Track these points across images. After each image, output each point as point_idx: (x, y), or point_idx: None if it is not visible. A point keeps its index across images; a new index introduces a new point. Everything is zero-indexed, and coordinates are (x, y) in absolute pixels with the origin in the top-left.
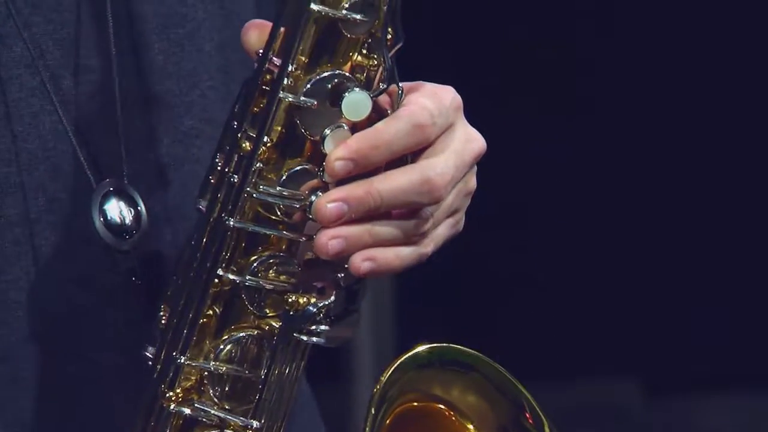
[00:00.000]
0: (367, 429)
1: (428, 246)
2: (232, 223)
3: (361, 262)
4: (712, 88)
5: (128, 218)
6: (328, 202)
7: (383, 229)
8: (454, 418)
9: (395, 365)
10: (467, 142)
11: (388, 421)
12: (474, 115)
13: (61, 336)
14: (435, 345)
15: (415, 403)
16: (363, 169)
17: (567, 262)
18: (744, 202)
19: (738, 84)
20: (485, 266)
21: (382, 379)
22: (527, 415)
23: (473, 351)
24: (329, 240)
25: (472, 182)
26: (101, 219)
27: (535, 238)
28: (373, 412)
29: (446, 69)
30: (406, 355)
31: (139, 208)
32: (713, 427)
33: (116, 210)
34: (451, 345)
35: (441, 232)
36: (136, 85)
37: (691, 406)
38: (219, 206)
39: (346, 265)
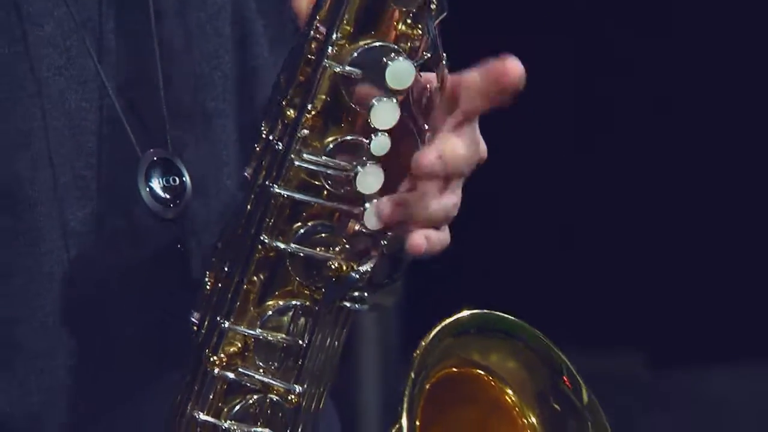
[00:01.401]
0: (407, 393)
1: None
2: (276, 189)
3: (422, 239)
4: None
5: (173, 187)
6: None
7: (434, 204)
8: (493, 383)
9: (435, 331)
10: (480, 144)
11: (427, 386)
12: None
13: (95, 307)
14: (476, 312)
15: (454, 369)
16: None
17: (570, 234)
18: (750, 173)
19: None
20: (492, 242)
21: (423, 344)
22: (565, 380)
23: (513, 317)
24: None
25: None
26: (147, 188)
27: (541, 210)
28: (412, 376)
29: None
30: (447, 321)
31: (183, 177)
32: (715, 397)
33: (162, 179)
34: (491, 312)
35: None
36: (160, 65)
37: (693, 377)
38: (264, 173)
39: (389, 233)
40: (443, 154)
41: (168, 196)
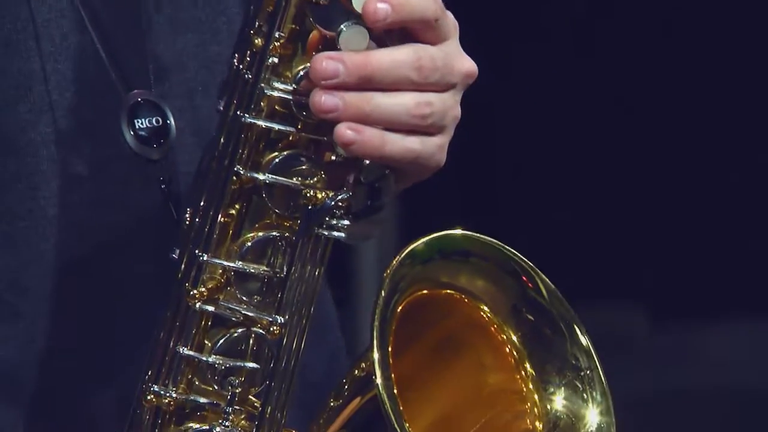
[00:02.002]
0: (377, 317)
1: (417, 146)
2: (247, 119)
3: (345, 129)
4: None
5: (156, 128)
6: (326, 58)
7: (384, 100)
8: (466, 300)
9: (397, 262)
10: (460, 54)
11: (399, 309)
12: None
13: (98, 248)
14: (431, 236)
15: (426, 291)
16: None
17: (570, 187)
18: (749, 129)
19: None
20: (490, 187)
21: (388, 272)
22: (528, 284)
23: (467, 233)
24: (323, 96)
25: (458, 110)
26: (130, 130)
27: (539, 161)
28: (381, 303)
29: None
30: (405, 252)
31: (168, 120)
32: (715, 353)
33: (144, 119)
34: (446, 233)
35: (434, 143)
36: (162, 11)
37: (693, 333)
38: (234, 104)
39: (366, 161)
40: (342, 58)
41: (150, 138)
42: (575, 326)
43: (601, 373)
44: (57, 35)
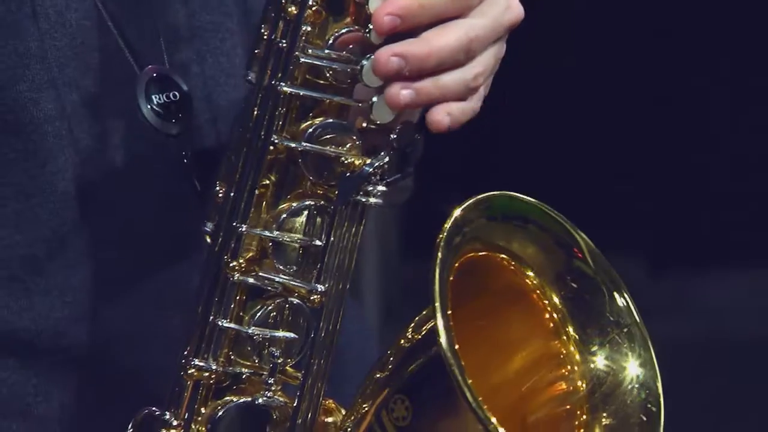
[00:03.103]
0: (437, 271)
1: (478, 102)
2: (284, 87)
3: (443, 115)
4: None
5: (174, 102)
6: (391, 55)
7: (448, 79)
8: (513, 266)
9: (463, 209)
10: (507, 9)
11: (454, 269)
12: None
13: (113, 222)
14: (502, 193)
15: (476, 254)
16: (408, 28)
17: (569, 138)
18: (749, 80)
19: None
20: (494, 138)
21: (445, 227)
22: (578, 254)
23: (524, 200)
24: (401, 90)
25: (503, 49)
26: (148, 105)
27: (537, 110)
28: (438, 265)
29: None
30: (471, 201)
31: (185, 94)
32: (715, 303)
33: (161, 94)
34: (517, 195)
35: (482, 91)
36: None
37: (692, 283)
38: (269, 73)
39: (398, 127)
40: (405, 52)
41: (169, 112)
42: (616, 289)
43: (642, 330)
44: (52, 13)
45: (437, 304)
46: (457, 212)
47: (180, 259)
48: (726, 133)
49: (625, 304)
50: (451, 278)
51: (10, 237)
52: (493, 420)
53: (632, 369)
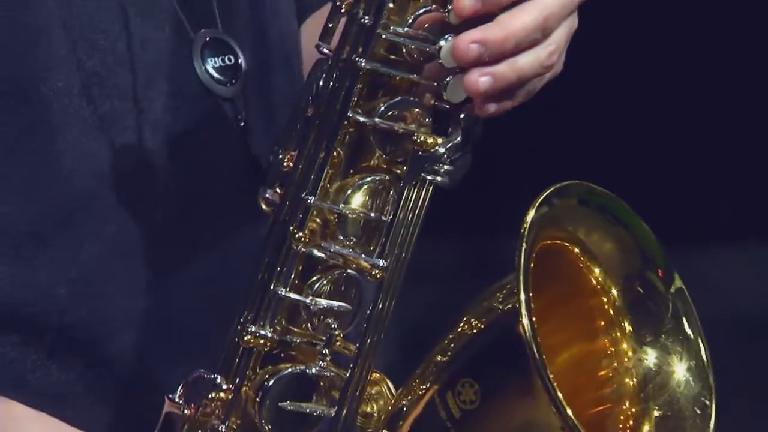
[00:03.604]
0: (522, 259)
1: (557, 69)
2: (363, 63)
3: (525, 96)
4: None
5: (228, 66)
6: (471, 42)
7: (524, 61)
8: (582, 260)
9: (542, 197)
10: None
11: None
12: None
13: (134, 191)
14: (599, 190)
15: (553, 241)
16: (487, 11)
17: (572, 113)
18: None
19: None
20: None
21: (531, 209)
22: (659, 272)
23: (625, 205)
24: (479, 77)
25: (575, 23)
26: (203, 67)
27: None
28: (524, 245)
29: None
30: (567, 185)
31: (239, 57)
32: (716, 281)
33: (216, 58)
34: (608, 194)
35: (557, 67)
36: None
37: (693, 260)
38: (348, 48)
39: (467, 105)
40: (485, 39)
41: (224, 77)
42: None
43: (701, 342)
44: None
45: (521, 288)
46: (546, 194)
47: (225, 223)
48: (729, 111)
49: (688, 321)
50: (532, 265)
51: (16, 211)
52: (569, 411)
53: (681, 372)
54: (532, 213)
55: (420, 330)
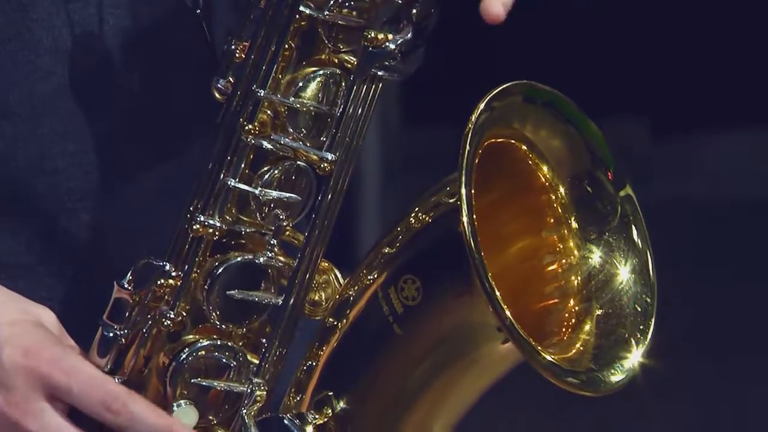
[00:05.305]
0: (465, 158)
1: None
2: None
3: (499, 7)
4: None
5: None
6: None
7: None
8: (530, 156)
9: (489, 96)
10: None
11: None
12: None
13: (105, 82)
14: (543, 87)
15: (498, 139)
16: None
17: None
18: None
19: None
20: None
21: (479, 107)
22: (609, 174)
23: (575, 106)
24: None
25: None
26: None
27: None
28: (468, 144)
29: None
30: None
31: None
32: (714, 164)
33: None
34: (560, 95)
35: None
36: None
37: (691, 143)
38: None
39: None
40: None
41: None
42: (633, 218)
43: (648, 250)
44: None
45: (463, 190)
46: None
47: (189, 118)
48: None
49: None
50: (476, 161)
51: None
52: (507, 312)
53: (624, 274)
54: (476, 114)
55: None
